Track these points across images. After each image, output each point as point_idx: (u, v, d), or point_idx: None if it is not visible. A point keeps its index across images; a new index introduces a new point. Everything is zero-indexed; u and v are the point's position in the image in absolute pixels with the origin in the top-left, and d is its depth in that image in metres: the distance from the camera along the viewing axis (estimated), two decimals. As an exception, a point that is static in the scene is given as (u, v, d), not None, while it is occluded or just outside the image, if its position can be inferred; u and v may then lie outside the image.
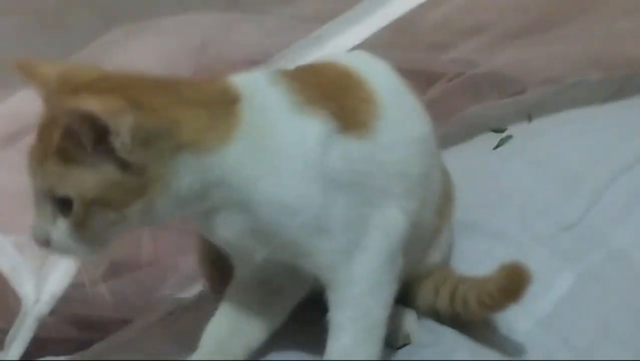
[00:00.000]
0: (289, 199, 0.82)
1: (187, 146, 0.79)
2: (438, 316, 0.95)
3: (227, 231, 0.84)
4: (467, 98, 1.32)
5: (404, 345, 0.93)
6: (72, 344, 1.08)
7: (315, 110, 0.83)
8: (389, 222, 0.86)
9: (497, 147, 1.22)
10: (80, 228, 0.79)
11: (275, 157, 0.82)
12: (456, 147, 1.25)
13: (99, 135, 0.77)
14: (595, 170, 1.12)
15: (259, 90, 0.84)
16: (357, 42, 1.11)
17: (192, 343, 0.89)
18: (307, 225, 0.82)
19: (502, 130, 1.24)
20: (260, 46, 1.16)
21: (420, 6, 1.12)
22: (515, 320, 0.93)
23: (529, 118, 1.27)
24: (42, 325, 0.98)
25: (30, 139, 1.01)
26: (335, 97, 0.85)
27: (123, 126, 0.76)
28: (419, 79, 1.19)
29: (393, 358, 0.91)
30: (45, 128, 0.80)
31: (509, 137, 1.23)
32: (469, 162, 1.18)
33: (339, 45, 1.11)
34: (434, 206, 0.94)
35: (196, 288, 1.10)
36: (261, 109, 0.83)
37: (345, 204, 0.83)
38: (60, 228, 0.80)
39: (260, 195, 0.82)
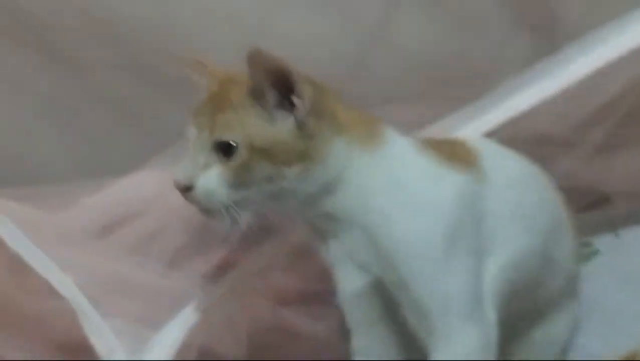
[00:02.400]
0: (415, 241, 0.90)
1: (344, 131, 0.91)
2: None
3: (346, 243, 0.93)
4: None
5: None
6: None
7: (451, 165, 0.93)
8: (496, 272, 0.93)
9: (584, 261, 1.23)
10: (236, 172, 0.89)
11: (410, 195, 0.91)
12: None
13: (283, 95, 0.89)
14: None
15: (401, 138, 0.95)
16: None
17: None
18: (426, 268, 0.90)
19: (588, 244, 1.25)
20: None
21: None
22: None
23: (616, 232, 1.28)
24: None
25: (128, 229, 1.09)
26: (458, 155, 0.95)
27: (306, 91, 0.88)
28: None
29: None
30: (218, 93, 0.93)
31: (596, 251, 1.24)
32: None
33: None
34: (565, 247, 1.03)
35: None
36: (402, 147, 0.94)
37: (466, 253, 0.90)
38: (212, 173, 0.90)
39: (385, 226, 0.90)
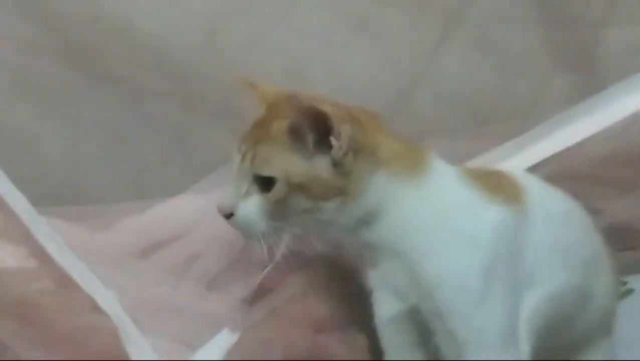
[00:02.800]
0: (454, 273, 0.91)
1: (384, 166, 0.93)
2: None
3: (385, 270, 0.95)
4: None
5: None
6: None
7: (492, 198, 0.94)
8: (534, 306, 0.94)
9: (618, 300, 1.22)
10: (274, 205, 0.92)
11: (450, 228, 0.92)
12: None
13: (321, 134, 0.91)
14: None
15: (445, 168, 0.96)
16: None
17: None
18: (462, 302, 0.91)
19: (623, 283, 1.25)
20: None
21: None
22: None
23: (650, 272, 1.28)
24: None
25: (169, 251, 1.12)
26: (501, 188, 0.96)
27: (344, 131, 0.89)
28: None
29: None
30: (262, 121, 0.96)
31: (631, 290, 1.24)
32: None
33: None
34: (603, 285, 1.03)
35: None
36: (445, 178, 0.95)
37: (503, 286, 0.92)
38: (252, 203, 0.93)
39: (424, 257, 0.92)
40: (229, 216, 0.94)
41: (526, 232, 0.95)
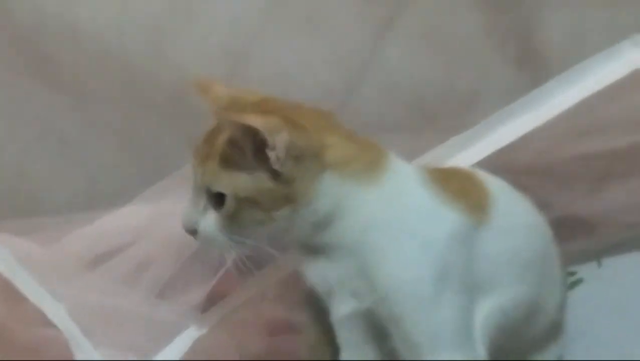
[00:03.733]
0: (407, 279, 0.91)
1: (332, 168, 0.92)
2: None
3: (341, 271, 0.94)
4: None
5: None
6: None
7: (452, 203, 0.93)
8: (485, 315, 0.94)
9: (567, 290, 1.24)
10: (229, 220, 0.91)
11: (405, 231, 0.92)
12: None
13: (257, 147, 0.89)
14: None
15: (404, 168, 0.96)
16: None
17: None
18: (416, 306, 0.91)
19: (572, 273, 1.26)
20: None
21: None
22: None
23: (599, 261, 1.30)
24: None
25: (120, 260, 1.11)
26: (464, 194, 0.95)
27: (279, 141, 0.89)
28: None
29: None
30: (211, 134, 0.94)
31: (580, 280, 1.25)
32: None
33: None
34: (553, 297, 1.03)
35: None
36: (403, 178, 0.94)
37: (456, 291, 0.92)
38: (209, 219, 0.92)
39: (379, 261, 0.92)
40: (194, 233, 0.94)
41: (485, 242, 0.95)
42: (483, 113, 1.23)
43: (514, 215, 0.99)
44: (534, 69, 1.30)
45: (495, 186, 1.00)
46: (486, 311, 0.94)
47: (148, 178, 1.20)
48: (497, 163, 1.18)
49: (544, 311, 1.01)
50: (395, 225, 0.92)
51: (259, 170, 0.91)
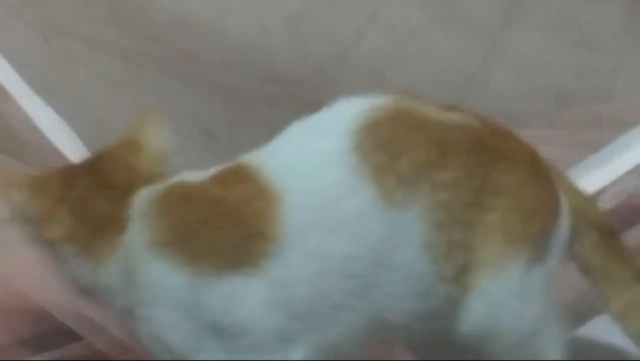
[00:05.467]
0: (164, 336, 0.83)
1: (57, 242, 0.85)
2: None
3: None
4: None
5: None
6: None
7: (173, 255, 0.82)
8: None
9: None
10: None
11: (145, 290, 0.83)
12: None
13: None
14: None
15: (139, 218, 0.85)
16: None
17: None
18: None
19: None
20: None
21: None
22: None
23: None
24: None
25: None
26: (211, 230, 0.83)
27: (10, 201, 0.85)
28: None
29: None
30: None
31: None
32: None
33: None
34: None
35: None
36: (134, 240, 0.85)
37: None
38: None
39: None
40: None
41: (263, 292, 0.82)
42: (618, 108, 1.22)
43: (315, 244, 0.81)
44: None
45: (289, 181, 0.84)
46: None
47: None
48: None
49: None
50: (138, 293, 0.84)
51: None
